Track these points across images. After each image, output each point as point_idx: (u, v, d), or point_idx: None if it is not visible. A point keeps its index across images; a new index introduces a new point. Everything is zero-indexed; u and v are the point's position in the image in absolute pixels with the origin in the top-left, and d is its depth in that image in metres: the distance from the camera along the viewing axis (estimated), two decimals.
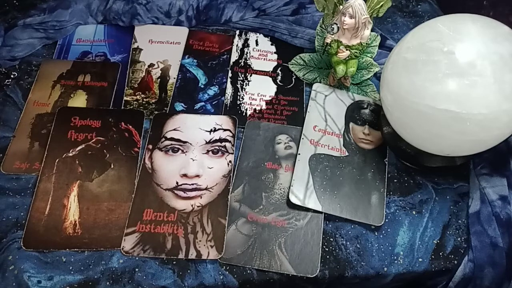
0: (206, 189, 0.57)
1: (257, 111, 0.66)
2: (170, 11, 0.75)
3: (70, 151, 0.59)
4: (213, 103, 0.66)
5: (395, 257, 0.54)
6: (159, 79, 0.68)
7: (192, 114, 0.64)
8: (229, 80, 0.69)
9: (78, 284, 0.50)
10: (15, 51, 0.68)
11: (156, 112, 0.64)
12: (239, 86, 0.69)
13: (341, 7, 0.59)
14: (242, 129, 0.63)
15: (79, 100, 0.64)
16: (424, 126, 0.51)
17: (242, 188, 0.58)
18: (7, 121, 0.62)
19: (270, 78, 0.70)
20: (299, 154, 0.60)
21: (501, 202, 0.56)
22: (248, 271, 0.52)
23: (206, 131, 0.62)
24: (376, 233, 0.56)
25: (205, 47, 0.73)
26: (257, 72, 0.71)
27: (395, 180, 0.60)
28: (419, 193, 0.59)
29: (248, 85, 0.69)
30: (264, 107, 0.66)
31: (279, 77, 0.70)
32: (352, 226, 0.56)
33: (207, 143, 0.61)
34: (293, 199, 0.56)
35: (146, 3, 0.74)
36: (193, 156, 0.59)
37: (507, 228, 0.54)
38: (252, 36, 0.75)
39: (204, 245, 0.53)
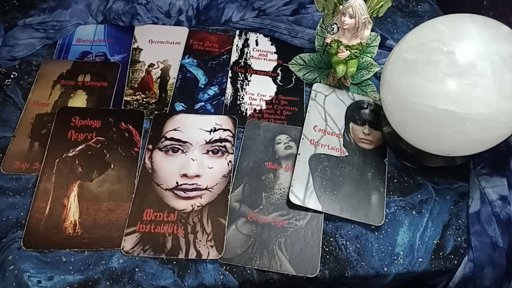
0: (206, 189, 0.57)
1: (257, 111, 0.66)
2: (170, 11, 0.75)
3: (70, 151, 0.59)
4: (213, 103, 0.66)
5: (395, 257, 0.54)
6: (159, 79, 0.68)
7: (192, 114, 0.64)
8: (229, 80, 0.69)
9: (78, 284, 0.50)
10: (15, 51, 0.68)
11: (156, 112, 0.64)
12: (239, 86, 0.69)
13: (341, 7, 0.59)
14: (242, 129, 0.63)
15: (79, 100, 0.64)
16: (424, 126, 0.51)
17: (242, 188, 0.58)
18: (7, 121, 0.62)
19: (270, 78, 0.70)
20: (299, 154, 0.60)
21: (501, 202, 0.56)
22: (248, 271, 0.52)
23: (206, 131, 0.62)
24: (376, 233, 0.56)
25: (205, 47, 0.73)
26: (257, 72, 0.71)
27: (395, 180, 0.60)
28: (419, 193, 0.59)
29: (248, 85, 0.69)
30: (264, 107, 0.66)
31: (279, 77, 0.70)
32: (352, 226, 0.56)
33: (207, 143, 0.61)
34: (293, 199, 0.56)
35: (146, 3, 0.74)
36: (193, 156, 0.59)
37: (507, 228, 0.54)
38: (252, 36, 0.75)
39: (204, 245, 0.53)
